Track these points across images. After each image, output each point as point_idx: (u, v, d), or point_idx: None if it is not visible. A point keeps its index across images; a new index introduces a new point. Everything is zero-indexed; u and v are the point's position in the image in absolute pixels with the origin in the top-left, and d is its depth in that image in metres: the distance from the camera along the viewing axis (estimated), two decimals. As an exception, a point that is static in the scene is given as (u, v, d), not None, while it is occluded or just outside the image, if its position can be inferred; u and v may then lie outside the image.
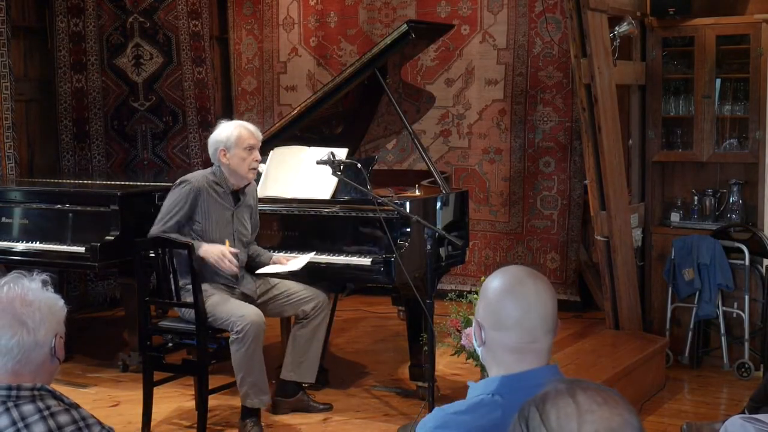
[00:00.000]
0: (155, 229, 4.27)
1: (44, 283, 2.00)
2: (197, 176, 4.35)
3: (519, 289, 1.86)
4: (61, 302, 2.01)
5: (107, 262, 5.00)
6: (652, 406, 4.71)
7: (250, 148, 4.31)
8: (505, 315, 1.86)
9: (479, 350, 1.95)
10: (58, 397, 1.93)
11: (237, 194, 4.40)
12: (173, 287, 4.29)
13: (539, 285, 1.88)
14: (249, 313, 4.15)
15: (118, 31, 6.97)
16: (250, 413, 4.23)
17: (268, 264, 4.44)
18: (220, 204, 4.33)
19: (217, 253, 4.17)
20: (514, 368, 1.86)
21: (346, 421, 4.48)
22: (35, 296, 1.96)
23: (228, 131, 4.33)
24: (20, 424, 1.85)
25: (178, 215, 4.27)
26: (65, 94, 6.74)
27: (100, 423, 1.93)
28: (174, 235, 4.23)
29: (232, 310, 4.15)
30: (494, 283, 1.90)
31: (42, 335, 1.94)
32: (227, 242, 4.26)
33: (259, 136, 4.41)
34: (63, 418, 1.88)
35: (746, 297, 5.18)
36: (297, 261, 4.38)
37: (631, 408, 1.40)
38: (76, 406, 1.93)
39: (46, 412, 1.87)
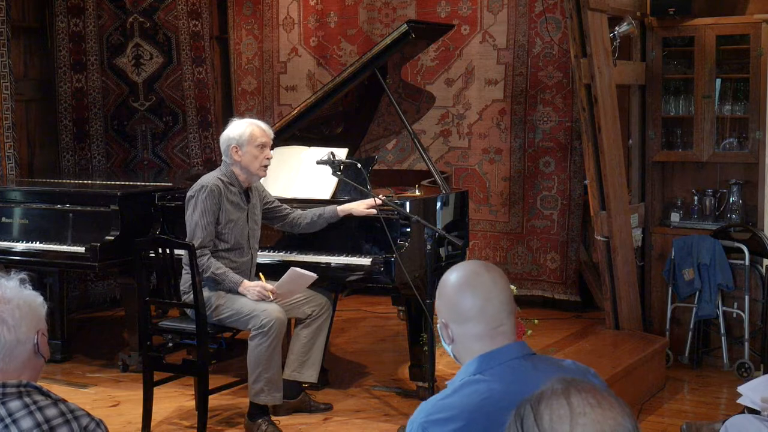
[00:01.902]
0: (203, 251, 4.21)
1: (22, 281, 2.00)
2: (210, 179, 4.30)
3: (475, 280, 1.93)
4: (40, 299, 2.02)
5: (107, 262, 5.00)
6: (652, 406, 4.71)
7: (262, 146, 4.32)
8: (466, 308, 1.92)
9: (448, 349, 2.00)
10: (44, 393, 1.93)
11: (247, 192, 4.41)
12: (173, 287, 4.31)
13: (494, 274, 1.95)
14: (273, 308, 4.18)
15: (118, 31, 6.98)
16: (260, 412, 4.23)
17: (334, 216, 4.47)
18: (236, 204, 4.34)
19: (259, 290, 4.22)
20: (487, 350, 1.92)
21: (346, 421, 4.48)
22: (13, 294, 1.96)
23: (240, 129, 4.33)
24: (8, 420, 1.85)
25: (213, 224, 4.25)
26: (65, 94, 6.74)
27: (88, 414, 1.93)
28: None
29: (256, 305, 4.18)
30: (450, 279, 1.96)
31: (23, 332, 1.94)
32: (261, 276, 4.34)
33: (271, 134, 4.42)
34: (50, 412, 1.88)
35: (746, 297, 5.18)
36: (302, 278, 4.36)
37: (626, 411, 1.39)
38: (63, 400, 1.93)
39: (33, 407, 1.88)
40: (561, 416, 1.37)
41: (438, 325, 2.01)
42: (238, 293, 4.26)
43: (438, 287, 1.99)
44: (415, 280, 4.29)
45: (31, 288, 2.02)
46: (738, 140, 5.40)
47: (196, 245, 4.20)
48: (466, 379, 1.89)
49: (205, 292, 4.20)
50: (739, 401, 3.37)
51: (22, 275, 2.02)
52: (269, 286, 4.27)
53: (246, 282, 4.26)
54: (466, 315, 1.92)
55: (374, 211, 4.40)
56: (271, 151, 4.42)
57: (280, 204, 4.59)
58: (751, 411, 3.40)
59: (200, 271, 4.18)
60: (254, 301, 4.21)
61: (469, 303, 1.92)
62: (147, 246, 4.37)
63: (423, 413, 1.86)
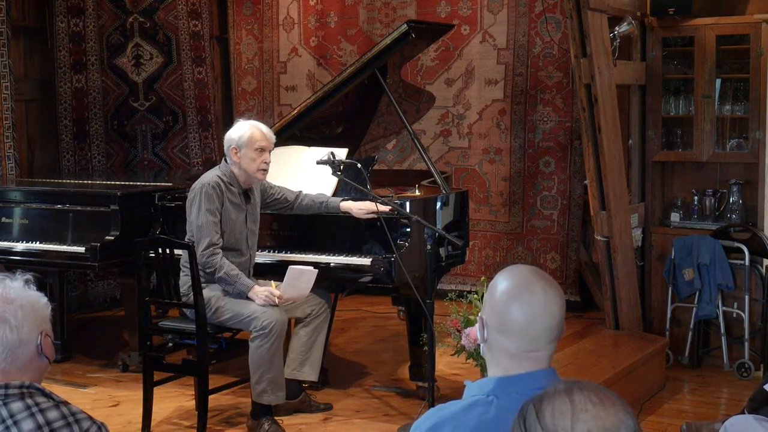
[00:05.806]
0: (207, 251, 4.18)
1: (26, 282, 2.00)
2: (209, 177, 4.30)
3: (527, 297, 1.82)
4: (44, 300, 2.01)
5: (107, 262, 5.00)
6: (652, 406, 4.71)
7: (261, 150, 4.30)
8: (509, 320, 1.82)
9: (482, 345, 1.93)
10: (47, 395, 1.93)
11: (247, 193, 4.41)
12: (173, 287, 4.30)
13: (549, 293, 1.83)
14: (273, 309, 4.17)
15: (118, 31, 6.98)
16: (263, 411, 4.22)
17: (336, 209, 4.49)
18: (236, 204, 4.33)
19: (267, 294, 4.19)
20: (512, 371, 1.84)
21: (346, 421, 4.48)
22: (17, 294, 1.96)
23: (241, 131, 4.33)
24: (9, 422, 1.85)
25: (218, 222, 4.24)
26: (65, 94, 6.74)
27: (90, 418, 1.92)
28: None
29: (257, 307, 4.17)
30: (503, 284, 1.86)
31: (26, 333, 1.94)
32: (273, 283, 4.31)
33: (272, 138, 4.39)
34: (52, 414, 1.88)
35: (746, 297, 5.18)
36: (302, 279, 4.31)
37: (629, 411, 1.40)
38: (66, 402, 1.93)
39: (34, 409, 1.87)
40: (563, 412, 1.38)
41: (478, 315, 1.93)
42: (243, 297, 4.25)
43: (491, 283, 1.90)
44: (415, 280, 4.29)
45: (35, 289, 2.01)
46: (738, 140, 5.40)
47: (205, 244, 4.18)
48: (478, 398, 1.82)
49: (206, 293, 4.19)
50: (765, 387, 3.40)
51: (28, 276, 2.02)
52: (277, 291, 4.25)
53: (257, 287, 4.25)
54: (505, 327, 1.83)
55: (374, 216, 4.40)
56: (271, 152, 4.41)
57: (285, 195, 4.57)
58: (752, 411, 3.40)
59: (212, 270, 4.18)
60: (260, 305, 4.21)
61: (512, 317, 1.81)
62: (147, 246, 4.37)
63: (427, 423, 1.84)
